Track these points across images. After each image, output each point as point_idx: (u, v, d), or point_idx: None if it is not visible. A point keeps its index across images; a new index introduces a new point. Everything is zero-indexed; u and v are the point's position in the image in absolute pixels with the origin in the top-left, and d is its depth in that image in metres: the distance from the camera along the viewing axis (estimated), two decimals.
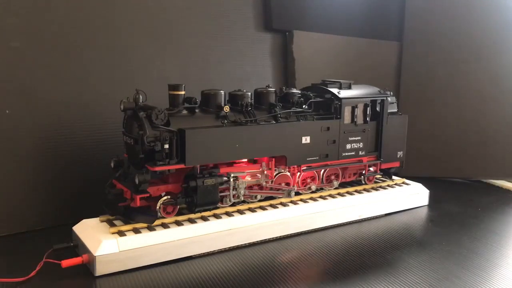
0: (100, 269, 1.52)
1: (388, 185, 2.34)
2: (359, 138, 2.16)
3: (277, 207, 1.95)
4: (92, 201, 1.90)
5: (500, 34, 2.72)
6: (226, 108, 1.79)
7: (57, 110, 1.94)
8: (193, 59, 2.29)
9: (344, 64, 2.77)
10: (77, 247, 1.65)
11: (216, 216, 1.81)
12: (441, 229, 2.05)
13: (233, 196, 1.85)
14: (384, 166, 2.31)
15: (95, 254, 1.51)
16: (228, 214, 1.83)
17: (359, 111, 2.14)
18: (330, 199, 2.09)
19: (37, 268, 1.54)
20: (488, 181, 2.86)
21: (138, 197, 1.63)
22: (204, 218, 1.78)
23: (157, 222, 1.70)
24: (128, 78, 2.06)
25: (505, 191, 2.71)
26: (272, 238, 1.88)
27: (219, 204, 1.84)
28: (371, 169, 2.31)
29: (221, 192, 1.79)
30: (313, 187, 2.10)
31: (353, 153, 2.16)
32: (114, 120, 1.97)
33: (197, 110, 1.78)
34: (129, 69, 2.09)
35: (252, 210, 1.90)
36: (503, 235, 2.00)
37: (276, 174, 1.99)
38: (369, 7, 2.85)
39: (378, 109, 2.22)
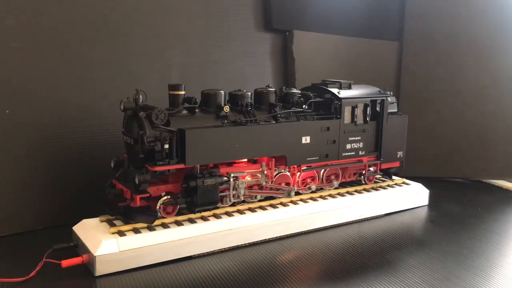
0: (100, 269, 1.52)
1: (388, 185, 2.34)
2: (359, 138, 2.16)
3: (277, 207, 1.95)
4: (92, 201, 1.90)
5: (500, 34, 2.72)
6: (226, 108, 1.79)
7: (57, 110, 1.94)
8: (193, 59, 2.29)
9: (344, 64, 2.77)
10: (77, 247, 1.65)
11: (216, 216, 1.81)
12: (441, 229, 2.05)
13: (233, 196, 1.85)
14: (384, 166, 2.31)
15: (95, 254, 1.51)
16: (228, 214, 1.83)
17: (359, 111, 2.14)
18: (330, 199, 2.09)
19: (37, 268, 1.54)
20: (488, 181, 2.86)
21: (138, 197, 1.63)
22: (204, 218, 1.78)
23: (157, 222, 1.70)
24: (128, 78, 2.06)
25: (505, 191, 2.71)
26: (272, 238, 1.88)
27: (219, 204, 1.84)
28: (371, 169, 2.31)
29: (221, 192, 1.79)
30: (313, 187, 2.10)
31: (353, 153, 2.16)
32: (114, 120, 1.97)
33: (197, 110, 1.78)
34: (129, 69, 2.09)
35: (252, 210, 1.90)
36: (503, 235, 2.00)
37: (276, 174, 1.99)
38: (369, 7, 2.85)
39: (378, 109, 2.22)
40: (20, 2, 1.84)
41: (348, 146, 2.14)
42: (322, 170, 2.14)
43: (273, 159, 1.93)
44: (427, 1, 2.82)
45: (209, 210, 1.81)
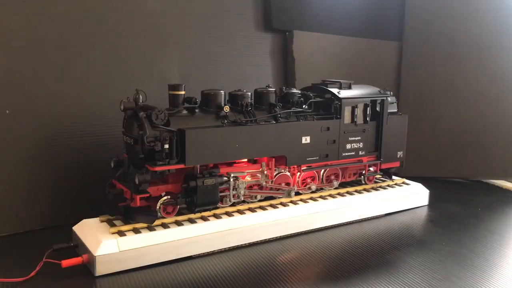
0: (100, 269, 1.52)
1: (388, 185, 2.34)
2: (359, 138, 2.16)
3: (277, 207, 1.95)
4: (92, 201, 1.90)
5: (500, 34, 2.72)
6: (226, 108, 1.79)
7: (57, 110, 1.94)
8: (193, 59, 2.29)
9: (344, 64, 2.77)
10: (77, 247, 1.65)
11: (216, 216, 1.81)
12: (441, 229, 2.05)
13: (233, 196, 1.85)
14: (384, 166, 2.31)
15: (95, 254, 1.51)
16: (228, 214, 1.83)
17: (359, 111, 2.14)
18: (330, 199, 2.09)
19: (37, 268, 1.54)
20: (488, 181, 2.86)
21: (138, 197, 1.63)
22: (204, 218, 1.78)
23: (157, 222, 1.70)
24: (128, 78, 2.06)
25: (505, 191, 2.71)
26: (272, 238, 1.88)
27: (219, 204, 1.84)
28: (371, 169, 2.31)
29: (221, 192, 1.79)
30: (313, 187, 2.10)
31: (353, 153, 2.16)
32: (114, 120, 1.97)
33: (197, 110, 1.78)
34: (129, 69, 2.09)
35: (252, 210, 1.90)
36: (503, 235, 2.00)
37: (276, 174, 1.99)
38: (369, 7, 2.85)
39: (378, 109, 2.22)
40: (20, 2, 1.84)
41: (348, 146, 2.14)
42: (322, 170, 2.14)
43: (273, 159, 1.93)
44: (427, 1, 2.82)
45: (209, 210, 1.81)
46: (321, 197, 2.10)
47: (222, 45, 2.38)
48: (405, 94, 2.86)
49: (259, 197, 1.98)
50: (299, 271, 1.61)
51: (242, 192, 1.86)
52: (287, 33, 2.62)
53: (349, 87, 2.16)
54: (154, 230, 1.67)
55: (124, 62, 2.08)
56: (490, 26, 2.72)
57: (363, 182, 2.30)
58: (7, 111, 1.84)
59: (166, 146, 1.62)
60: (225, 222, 1.78)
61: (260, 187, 1.96)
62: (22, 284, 1.48)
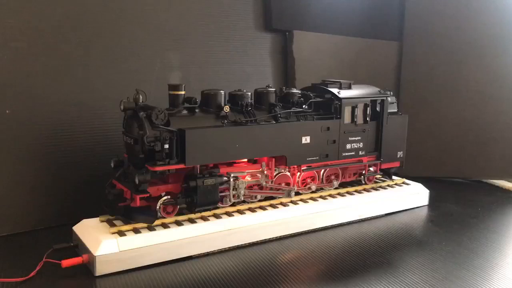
0: (100, 269, 1.53)
1: (388, 185, 2.34)
2: (359, 138, 2.16)
3: (277, 207, 1.95)
4: (92, 201, 1.90)
5: (500, 34, 2.72)
6: (226, 108, 1.79)
7: (57, 110, 1.94)
8: (193, 59, 2.29)
9: (344, 64, 2.77)
10: (77, 247, 1.65)
11: (216, 216, 1.81)
12: (441, 229, 2.05)
13: (233, 196, 1.85)
14: (384, 166, 2.31)
15: (95, 254, 1.51)
16: (228, 214, 1.83)
17: (359, 111, 2.14)
18: (330, 199, 2.09)
19: (37, 268, 1.54)
20: (488, 181, 2.86)
21: (138, 197, 1.63)
22: (204, 218, 1.78)
23: (157, 222, 1.70)
24: (128, 78, 2.06)
25: (505, 191, 2.71)
26: (272, 238, 1.88)
27: (219, 204, 1.84)
28: (371, 169, 2.31)
29: (221, 192, 1.79)
30: (313, 187, 2.10)
31: (353, 153, 2.16)
32: (114, 120, 1.97)
33: (197, 110, 1.78)
34: (129, 69, 2.09)
35: (252, 210, 1.90)
36: (503, 235, 2.00)
37: (276, 174, 1.99)
38: (369, 7, 2.85)
39: (378, 109, 2.22)
40: (20, 2, 1.84)
41: (348, 146, 2.14)
42: (322, 170, 2.14)
43: (273, 159, 1.93)
44: (427, 1, 2.82)
45: (209, 210, 1.81)
46: (321, 197, 2.10)
47: (222, 45, 2.38)
48: (405, 94, 2.86)
49: (259, 197, 1.98)
50: (299, 271, 1.61)
51: (242, 192, 1.86)
52: (287, 33, 2.62)
53: (349, 87, 2.16)
54: (154, 230, 1.67)
55: (124, 62, 2.08)
56: (490, 26, 2.72)
57: (363, 182, 2.30)
58: (7, 111, 1.84)
59: (166, 146, 1.62)
60: (225, 222, 1.78)
61: (260, 187, 1.96)
62: (22, 284, 1.48)
